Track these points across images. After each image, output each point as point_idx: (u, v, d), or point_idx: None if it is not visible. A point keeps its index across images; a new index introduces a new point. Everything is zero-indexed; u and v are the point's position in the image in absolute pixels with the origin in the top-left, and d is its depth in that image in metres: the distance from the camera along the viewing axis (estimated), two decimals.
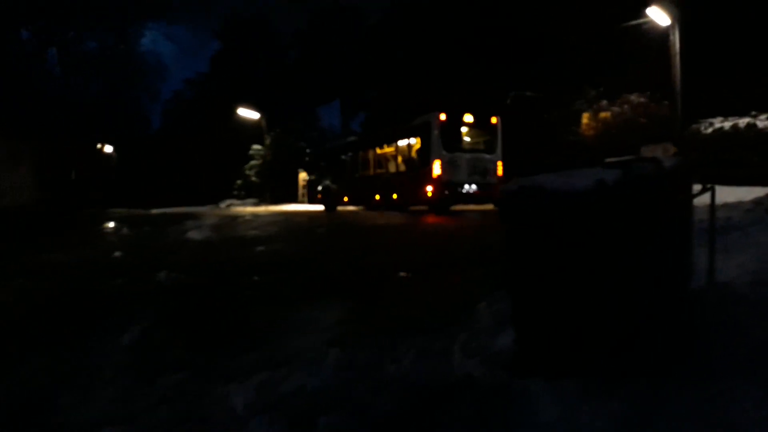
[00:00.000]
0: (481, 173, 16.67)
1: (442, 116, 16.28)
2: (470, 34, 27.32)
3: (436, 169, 16.01)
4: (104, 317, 4.72)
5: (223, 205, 34.51)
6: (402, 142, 18.69)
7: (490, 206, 16.38)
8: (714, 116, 17.39)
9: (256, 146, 36.54)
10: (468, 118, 17.00)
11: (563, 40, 23.28)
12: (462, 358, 2.68)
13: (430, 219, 14.99)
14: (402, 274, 6.01)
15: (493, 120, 17.34)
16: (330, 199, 23.15)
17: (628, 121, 21.05)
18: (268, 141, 35.77)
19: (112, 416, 2.57)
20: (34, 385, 3.18)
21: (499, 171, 17.13)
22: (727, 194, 7.34)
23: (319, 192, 24.32)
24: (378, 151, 20.44)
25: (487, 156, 17.16)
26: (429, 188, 16.24)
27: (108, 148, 40.67)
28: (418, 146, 17.42)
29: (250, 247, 9.59)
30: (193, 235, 11.91)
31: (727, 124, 16.87)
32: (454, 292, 4.80)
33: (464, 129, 17.26)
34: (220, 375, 3.03)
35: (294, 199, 33.04)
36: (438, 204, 16.52)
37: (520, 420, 2.10)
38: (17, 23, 36.91)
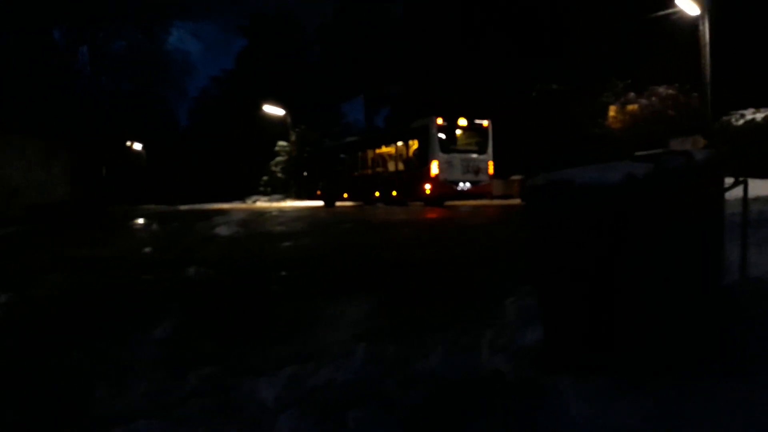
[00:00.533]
0: (474, 172, 18.33)
1: (439, 120, 17.89)
2: (495, 27, 27.08)
3: (434, 168, 17.54)
4: (135, 311, 4.82)
5: (249, 200, 34.89)
6: (401, 143, 20.13)
7: (480, 201, 17.84)
8: (745, 108, 16.97)
9: (282, 142, 36.85)
10: (462, 121, 18.61)
11: (590, 32, 22.93)
12: (490, 354, 2.68)
13: (440, 213, 14.97)
14: (427, 268, 6.02)
15: (485, 123, 19.04)
16: (329, 195, 24.49)
17: (657, 114, 20.67)
18: (293, 137, 36.04)
19: (145, 409, 2.62)
20: (69, 377, 3.25)
21: (490, 170, 18.93)
22: (760, 187, 7.18)
23: (319, 188, 25.57)
24: (377, 151, 21.77)
25: (480, 156, 18.76)
26: (427, 186, 17.76)
27: (137, 146, 41.42)
28: (416, 147, 18.92)
29: (276, 242, 9.69)
30: (221, 231, 12.06)
31: (759, 116, 16.44)
32: (480, 287, 4.79)
33: (459, 132, 18.79)
34: (250, 369, 3.07)
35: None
36: (435, 200, 17.92)
37: (549, 416, 2.09)
38: (50, 24, 37.76)
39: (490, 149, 18.98)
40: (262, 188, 37.25)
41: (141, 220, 19.31)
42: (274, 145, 36.78)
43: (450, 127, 18.36)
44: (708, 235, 2.49)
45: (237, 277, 6.48)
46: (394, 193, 19.88)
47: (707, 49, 15.79)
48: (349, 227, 12.15)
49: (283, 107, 35.31)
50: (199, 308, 4.80)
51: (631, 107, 21.67)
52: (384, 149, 21.45)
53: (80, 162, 27.96)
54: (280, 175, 36.52)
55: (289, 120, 35.09)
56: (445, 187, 17.69)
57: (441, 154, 17.67)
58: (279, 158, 36.76)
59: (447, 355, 2.48)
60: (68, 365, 3.47)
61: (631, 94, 21.79)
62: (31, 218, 21.20)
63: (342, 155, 24.50)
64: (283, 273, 6.43)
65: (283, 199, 34.17)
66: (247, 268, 7.12)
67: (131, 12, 42.24)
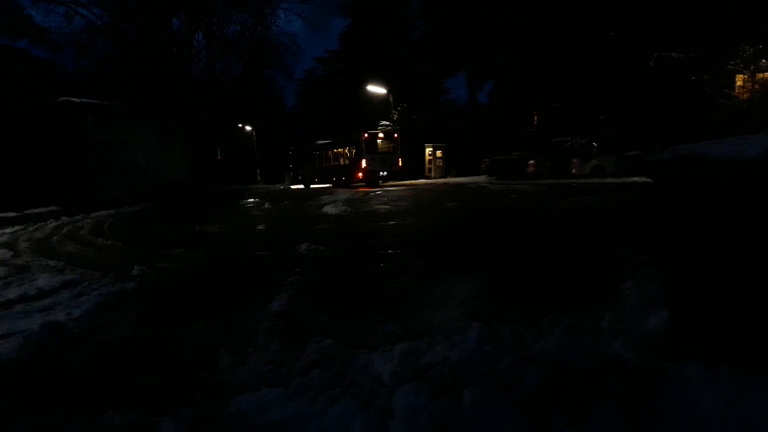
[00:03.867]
0: (389, 165, 27.65)
1: (366, 134, 27.27)
2: None
3: (364, 163, 26.86)
4: (253, 285, 5.10)
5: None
6: (347, 147, 29.09)
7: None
8: None
9: (384, 122, 37.13)
10: (381, 135, 28.27)
11: None
12: (609, 338, 2.57)
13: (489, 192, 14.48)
14: (529, 251, 5.88)
15: (396, 135, 28.48)
16: (306, 180, 34.23)
17: None
18: (395, 116, 36.20)
19: (268, 378, 2.77)
20: (196, 346, 3.50)
21: (399, 164, 28.02)
22: None
23: (300, 175, 35.52)
24: (335, 151, 31.05)
25: (393, 155, 27.87)
26: (360, 174, 27.25)
27: (247, 127, 43.41)
28: (354, 150, 27.95)
29: (382, 221, 9.84)
30: (329, 209, 12.43)
31: None
32: (593, 268, 4.60)
33: (379, 141, 27.70)
34: (363, 343, 3.16)
35: (421, 174, 33.21)
36: (367, 183, 27.49)
37: (675, 405, 1.99)
38: (169, 12, 40.20)
39: (399, 151, 28.07)
40: None
41: (254, 199, 20.31)
42: (377, 124, 37.13)
43: (373, 137, 27.51)
44: None
45: (345, 254, 6.66)
46: (344, 178, 28.97)
47: None
48: (452, 206, 12.09)
49: (386, 85, 35.50)
50: (311, 283, 4.98)
51: (762, 75, 19.67)
52: (339, 150, 30.44)
53: (197, 143, 29.76)
54: None
55: (391, 99, 35.24)
56: (371, 174, 27.19)
57: (367, 155, 26.84)
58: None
59: (564, 338, 2.40)
60: (195, 334, 3.73)
61: (763, 62, 19.74)
62: (154, 196, 22.97)
63: (315, 152, 33.67)
64: (390, 250, 6.54)
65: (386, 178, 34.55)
66: (355, 245, 7.30)
67: None
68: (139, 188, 24.01)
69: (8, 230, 12.20)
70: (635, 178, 17.13)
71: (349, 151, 28.97)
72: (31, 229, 12.37)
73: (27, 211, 16.39)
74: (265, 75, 51.50)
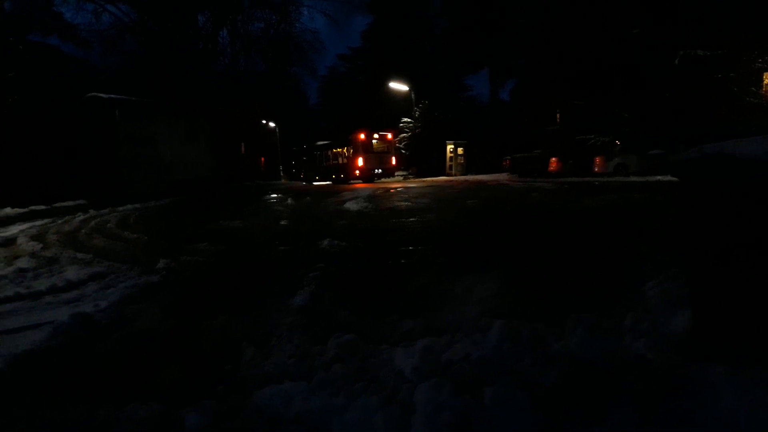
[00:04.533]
0: (383, 163, 30.22)
1: (361, 135, 29.48)
2: None
3: (360, 162, 29.25)
4: (275, 280, 5.16)
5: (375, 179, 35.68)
6: (345, 147, 31.27)
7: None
8: None
9: (406, 119, 37.09)
10: (375, 135, 30.22)
11: None
12: (631, 338, 2.56)
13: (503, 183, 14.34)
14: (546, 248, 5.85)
15: (389, 137, 31.01)
16: (309, 177, 37.28)
17: None
18: (416, 113, 36.14)
19: (291, 371, 2.80)
20: (219, 338, 3.55)
21: (393, 162, 30.95)
22: None
23: (302, 173, 39.38)
24: (334, 150, 33.41)
25: (386, 154, 30.53)
26: (357, 171, 29.47)
27: (271, 124, 43.73)
28: (351, 149, 30.22)
29: (403, 217, 9.86)
30: (350, 206, 12.49)
31: None
32: (615, 268, 4.57)
33: (374, 141, 30.00)
34: (385, 338, 3.19)
35: (441, 172, 33.14)
36: (364, 180, 29.43)
37: (699, 407, 1.98)
38: (195, 9, 40.74)
39: (393, 150, 30.94)
40: None
41: (277, 195, 20.47)
42: (399, 121, 37.12)
43: (368, 138, 29.73)
44: None
45: (366, 250, 6.70)
46: (342, 176, 31.31)
47: None
48: (472, 203, 12.06)
49: (408, 83, 35.46)
50: (333, 278, 5.02)
51: None
52: (337, 150, 32.70)
53: (221, 139, 30.05)
54: (404, 151, 36.86)
55: (413, 96, 35.20)
56: (367, 172, 29.30)
57: (363, 153, 29.23)
58: (403, 135, 37.08)
59: (586, 337, 2.40)
60: (218, 327, 3.78)
61: None
62: (179, 191, 23.28)
63: (316, 152, 36.32)
64: (410, 247, 6.55)
65: (407, 176, 34.53)
66: (375, 242, 7.33)
67: None
68: (164, 183, 24.34)
69: (38, 222, 12.48)
70: (658, 177, 16.91)
71: (347, 150, 31.15)
72: (59, 221, 12.63)
73: (56, 204, 16.73)
74: (288, 72, 51.82)
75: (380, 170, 30.03)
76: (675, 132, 19.20)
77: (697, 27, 21.49)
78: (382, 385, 2.38)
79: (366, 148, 29.34)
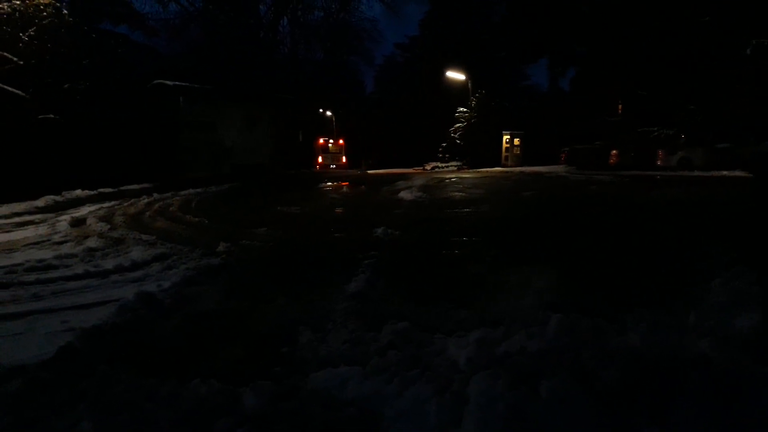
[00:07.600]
0: (336, 159, 39.83)
1: (321, 140, 39.47)
2: None
3: (319, 159, 39.14)
4: (330, 266, 5.24)
5: (428, 167, 35.45)
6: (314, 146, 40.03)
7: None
8: None
9: (462, 109, 36.68)
10: (331, 140, 40.25)
11: None
12: (695, 337, 2.48)
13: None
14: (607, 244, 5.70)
15: (341, 141, 40.69)
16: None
17: None
18: (473, 103, 35.69)
19: (346, 356, 2.85)
20: (276, 321, 3.64)
21: (343, 160, 40.17)
22: None
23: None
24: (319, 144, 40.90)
25: (339, 153, 40.18)
26: (318, 165, 38.50)
27: (328, 112, 44.22)
28: (315, 148, 39.43)
29: (457, 207, 9.82)
30: (405, 195, 12.50)
31: None
32: (678, 264, 4.42)
33: (330, 144, 39.89)
34: (438, 328, 3.19)
35: (497, 162, 32.67)
36: (322, 169, 37.74)
37: (765, 409, 1.90)
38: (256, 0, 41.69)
39: (344, 151, 40.39)
40: (440, 155, 37.58)
41: (332, 183, 20.69)
42: (455, 111, 36.74)
43: (326, 141, 39.75)
44: None
45: (420, 239, 6.71)
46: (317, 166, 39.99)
47: None
48: (529, 195, 11.87)
49: (465, 72, 35.03)
50: (387, 266, 5.06)
51: None
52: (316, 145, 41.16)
53: (279, 127, 30.53)
54: (459, 141, 36.48)
55: (469, 85, 34.76)
56: (325, 166, 38.36)
57: (321, 152, 39.43)
58: (458, 124, 36.68)
59: (647, 334, 2.34)
60: (276, 310, 3.89)
61: None
62: (238, 177, 23.85)
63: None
64: (464, 238, 6.52)
65: (461, 166, 34.17)
66: (429, 231, 7.33)
67: None
68: (224, 169, 25.00)
69: (106, 204, 13.05)
70: (725, 172, 16.11)
71: (314, 148, 40.68)
72: (125, 204, 13.17)
73: (122, 188, 17.42)
74: (346, 60, 52.08)
75: (334, 165, 39.68)
76: (744, 125, 18.26)
77: None
78: (435, 373, 2.39)
79: (324, 149, 39.68)
